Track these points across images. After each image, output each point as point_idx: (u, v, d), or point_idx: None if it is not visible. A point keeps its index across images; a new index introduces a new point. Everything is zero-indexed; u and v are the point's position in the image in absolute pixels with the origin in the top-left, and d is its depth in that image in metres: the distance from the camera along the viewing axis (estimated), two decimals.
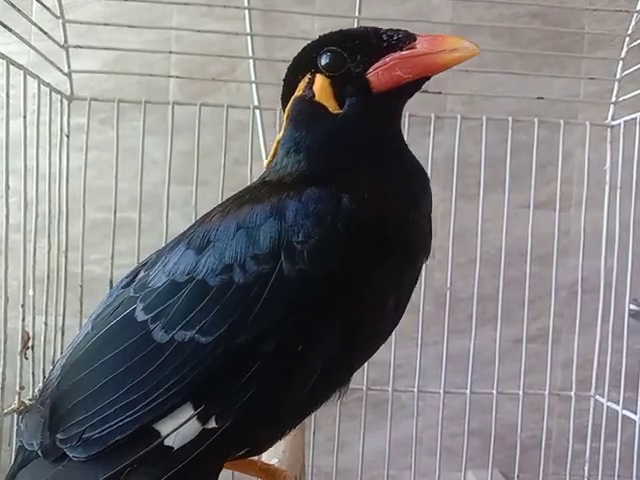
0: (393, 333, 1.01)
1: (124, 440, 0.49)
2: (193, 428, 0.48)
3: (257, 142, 1.27)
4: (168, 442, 0.48)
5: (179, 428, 0.48)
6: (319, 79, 0.57)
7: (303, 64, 0.59)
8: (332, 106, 0.57)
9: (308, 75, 0.58)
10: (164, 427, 0.48)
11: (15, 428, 0.88)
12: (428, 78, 0.56)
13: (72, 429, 0.51)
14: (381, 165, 0.55)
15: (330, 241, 0.48)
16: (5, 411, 0.85)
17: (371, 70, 0.55)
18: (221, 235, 0.52)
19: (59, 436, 0.51)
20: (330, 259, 0.48)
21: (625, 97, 1.13)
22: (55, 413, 0.53)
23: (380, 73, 0.55)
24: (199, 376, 0.48)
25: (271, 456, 0.73)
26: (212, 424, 0.48)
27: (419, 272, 0.58)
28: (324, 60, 0.57)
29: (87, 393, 0.51)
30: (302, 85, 0.59)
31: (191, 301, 0.50)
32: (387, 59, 0.55)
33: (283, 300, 0.48)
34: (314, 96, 0.57)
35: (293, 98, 0.60)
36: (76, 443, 0.50)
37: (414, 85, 0.56)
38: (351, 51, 0.56)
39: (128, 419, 0.49)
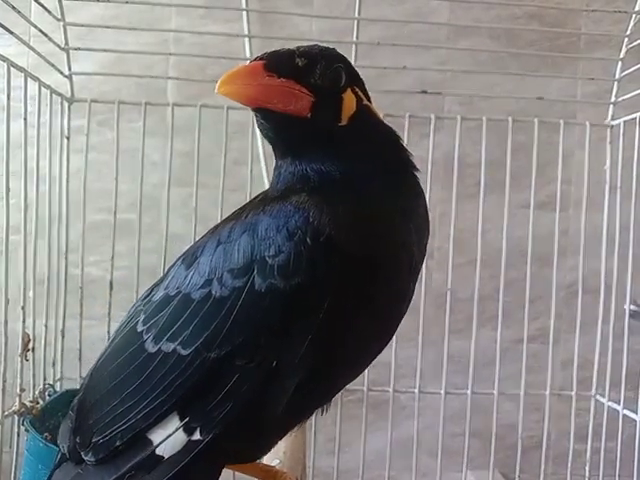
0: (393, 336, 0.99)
1: (123, 446, 0.51)
2: (180, 439, 0.50)
3: (256, 143, 1.27)
4: (159, 451, 0.50)
5: (168, 438, 0.50)
6: None
7: None
8: None
9: None
10: (155, 436, 0.50)
11: (16, 430, 0.88)
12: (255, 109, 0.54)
13: (86, 433, 0.53)
14: (355, 184, 0.54)
15: (299, 256, 0.48)
16: (6, 413, 0.85)
17: None
18: (206, 251, 0.53)
19: (77, 440, 0.54)
20: (299, 274, 0.48)
21: (625, 97, 1.13)
22: (77, 418, 0.55)
23: None
24: (181, 387, 0.49)
25: (272, 457, 0.73)
26: (197, 436, 0.49)
27: (403, 292, 0.56)
28: None
29: (96, 399, 0.54)
30: None
31: (176, 314, 0.52)
32: None
33: (255, 314, 0.49)
34: None
35: None
36: (88, 447, 0.52)
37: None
38: None
39: (124, 426, 0.51)
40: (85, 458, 0.52)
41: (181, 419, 0.49)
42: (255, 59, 0.53)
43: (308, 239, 0.49)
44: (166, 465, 0.49)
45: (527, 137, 1.17)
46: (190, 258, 0.55)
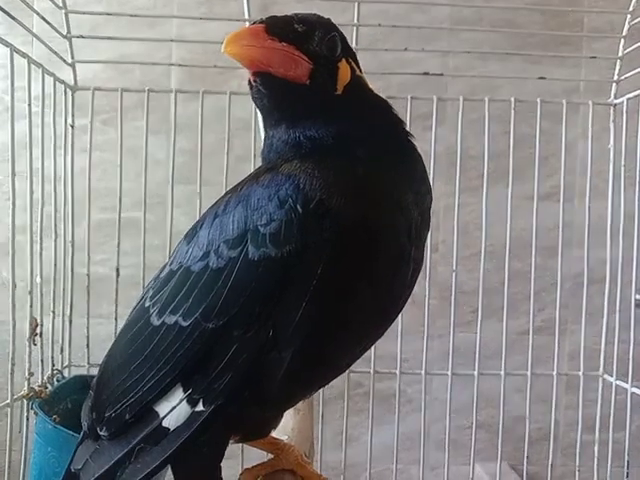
0: (399, 326, 0.99)
1: (133, 419, 0.52)
2: (184, 410, 0.51)
3: (259, 139, 1.27)
4: (165, 423, 0.51)
5: (173, 410, 0.51)
6: None
7: None
8: None
9: None
10: (161, 408, 0.51)
11: (25, 414, 0.89)
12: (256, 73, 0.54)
13: (100, 409, 0.54)
14: (349, 149, 0.54)
15: (290, 223, 0.49)
16: (15, 397, 0.85)
17: None
18: (204, 225, 0.55)
19: (93, 416, 0.55)
20: (290, 241, 0.49)
21: (627, 75, 1.12)
22: (94, 395, 0.57)
23: None
24: (182, 358, 0.51)
25: (280, 434, 0.73)
26: (200, 407, 0.50)
27: (406, 257, 0.55)
28: None
29: (109, 375, 0.55)
30: None
31: (177, 286, 0.53)
32: None
33: (249, 283, 0.49)
34: None
35: None
36: (102, 422, 0.54)
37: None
38: None
39: (133, 399, 0.52)
40: (100, 433, 0.53)
41: (184, 391, 0.50)
42: (255, 22, 0.54)
43: (298, 206, 0.49)
44: (172, 436, 0.51)
45: (530, 128, 1.17)
46: (191, 232, 0.56)
